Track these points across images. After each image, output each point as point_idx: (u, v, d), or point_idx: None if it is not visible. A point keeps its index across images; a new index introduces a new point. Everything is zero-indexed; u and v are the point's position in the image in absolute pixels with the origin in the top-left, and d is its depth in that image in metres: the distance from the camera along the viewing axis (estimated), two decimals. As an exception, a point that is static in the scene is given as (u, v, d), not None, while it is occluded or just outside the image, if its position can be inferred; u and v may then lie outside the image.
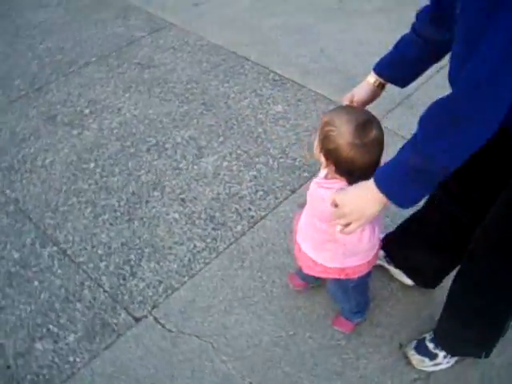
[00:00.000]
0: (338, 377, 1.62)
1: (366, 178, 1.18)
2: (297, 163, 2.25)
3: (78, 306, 1.78)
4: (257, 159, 2.26)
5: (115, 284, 1.84)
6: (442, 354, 1.63)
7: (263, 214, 2.05)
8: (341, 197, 1.23)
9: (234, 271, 1.88)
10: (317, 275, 1.57)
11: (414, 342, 1.68)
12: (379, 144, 1.26)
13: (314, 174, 2.17)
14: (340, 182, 1.32)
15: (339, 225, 1.25)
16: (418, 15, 1.38)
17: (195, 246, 1.95)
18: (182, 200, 2.10)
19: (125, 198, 2.11)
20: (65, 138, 2.35)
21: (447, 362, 1.64)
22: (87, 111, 2.46)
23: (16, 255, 1.93)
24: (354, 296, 1.65)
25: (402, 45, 1.44)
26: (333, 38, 2.90)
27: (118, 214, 2.05)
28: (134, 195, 2.12)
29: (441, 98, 1.04)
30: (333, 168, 1.31)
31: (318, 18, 3.06)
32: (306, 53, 2.81)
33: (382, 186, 1.13)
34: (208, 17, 3.03)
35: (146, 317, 1.76)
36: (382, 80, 1.47)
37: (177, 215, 2.05)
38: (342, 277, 1.52)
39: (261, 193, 2.13)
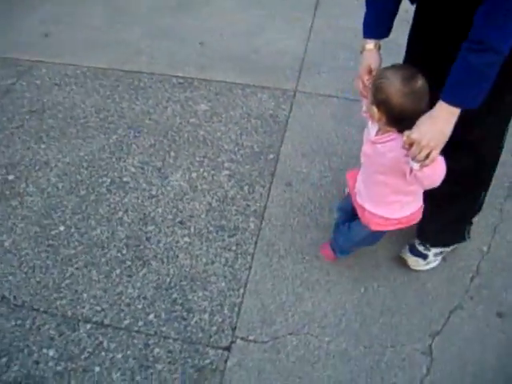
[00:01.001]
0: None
1: (413, 126, 1.32)
2: (256, 149, 2.27)
3: (159, 368, 1.62)
4: (219, 159, 2.23)
5: (180, 328, 1.71)
6: (431, 253, 1.86)
7: (263, 204, 2.06)
8: (415, 133, 1.33)
9: (277, 264, 1.88)
10: (377, 229, 1.67)
11: (407, 247, 1.89)
12: (426, 94, 1.37)
13: (278, 153, 2.24)
14: (392, 134, 1.44)
15: (418, 161, 1.34)
16: None
17: (226, 258, 1.89)
18: (181, 223, 2.00)
19: (122, 244, 1.92)
20: (8, 212, 2.01)
21: (435, 260, 1.87)
22: (11, 177, 2.13)
23: (51, 352, 1.65)
24: (362, 242, 1.78)
25: (371, 7, 1.54)
26: (203, 29, 2.92)
27: (129, 262, 1.87)
28: (130, 238, 1.94)
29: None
30: (384, 119, 1.42)
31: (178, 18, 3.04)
32: (188, 50, 2.79)
33: (456, 98, 1.28)
34: (68, 43, 2.79)
35: (233, 342, 1.68)
36: (378, 41, 1.57)
37: (187, 238, 1.95)
38: (398, 227, 1.65)
39: (246, 187, 2.13)
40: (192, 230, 1.97)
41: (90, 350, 1.65)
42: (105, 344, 1.66)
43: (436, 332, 1.70)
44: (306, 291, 1.80)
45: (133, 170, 2.17)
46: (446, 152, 1.38)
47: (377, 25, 1.57)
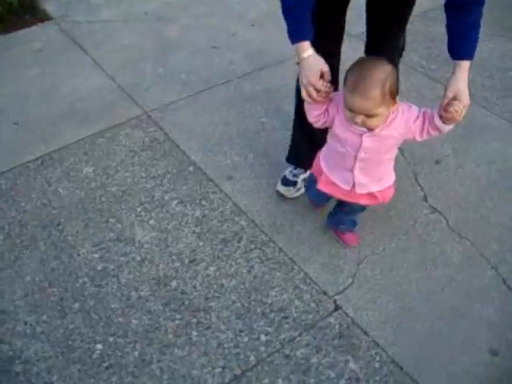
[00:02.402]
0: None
1: None
2: (173, 171, 2.28)
3: None
4: (157, 199, 2.18)
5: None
6: (299, 179, 2.16)
7: (246, 209, 2.13)
8: (466, 100, 1.56)
9: (315, 253, 1.97)
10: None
11: (279, 180, 2.16)
12: None
13: (194, 163, 2.31)
14: (392, 114, 1.57)
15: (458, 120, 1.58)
16: None
17: (271, 270, 1.94)
18: (190, 261, 1.95)
19: (160, 324, 1.80)
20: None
21: (303, 183, 2.16)
22: None
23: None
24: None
25: (299, 10, 1.56)
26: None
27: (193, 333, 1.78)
28: (153, 317, 1.82)
29: None
30: (392, 102, 1.53)
31: None
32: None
33: (473, 54, 1.57)
34: None
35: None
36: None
37: (215, 273, 1.92)
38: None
39: (204, 201, 2.16)
40: (209, 269, 1.95)
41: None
42: None
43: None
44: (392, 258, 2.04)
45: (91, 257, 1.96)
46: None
47: (308, 24, 1.58)
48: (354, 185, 1.75)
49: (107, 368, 1.65)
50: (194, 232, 2.05)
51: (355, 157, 1.67)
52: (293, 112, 2.09)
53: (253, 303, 1.82)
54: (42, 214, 2.11)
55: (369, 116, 1.51)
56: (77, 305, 1.82)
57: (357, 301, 1.82)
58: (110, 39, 3.11)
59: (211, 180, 2.25)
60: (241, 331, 1.75)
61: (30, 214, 2.11)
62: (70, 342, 1.71)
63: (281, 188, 2.16)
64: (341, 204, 1.92)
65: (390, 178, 1.80)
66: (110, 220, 2.09)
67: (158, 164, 2.32)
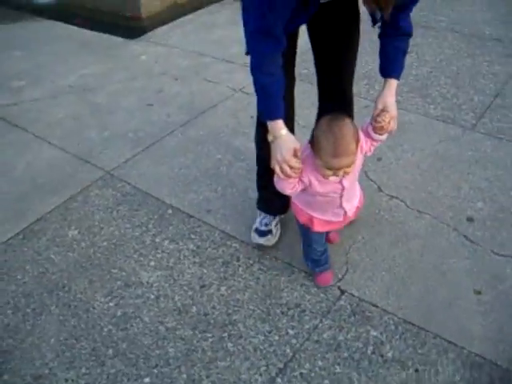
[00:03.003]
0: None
1: None
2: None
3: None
4: (157, 239, 2.32)
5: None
6: (272, 227, 2.24)
7: (233, 233, 2.34)
8: (394, 111, 1.81)
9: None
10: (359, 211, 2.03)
11: (254, 233, 2.23)
12: None
13: (186, 207, 2.49)
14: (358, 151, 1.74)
15: (390, 131, 1.82)
16: (270, 65, 1.67)
17: (275, 276, 2.17)
18: (201, 287, 2.11)
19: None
20: None
21: (277, 227, 2.27)
22: None
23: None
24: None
25: (276, 74, 1.68)
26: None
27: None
28: (187, 342, 1.97)
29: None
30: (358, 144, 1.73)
31: None
32: None
33: (400, 73, 1.84)
34: None
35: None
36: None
37: (227, 291, 2.10)
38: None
39: (205, 232, 2.34)
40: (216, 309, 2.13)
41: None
42: None
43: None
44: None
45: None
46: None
47: (282, 101, 1.71)
48: (345, 213, 1.91)
49: (162, 395, 1.77)
50: (194, 262, 2.22)
51: (340, 196, 1.83)
52: (242, 146, 2.33)
53: (270, 307, 2.02)
54: (43, 281, 2.18)
55: (348, 166, 1.69)
56: (110, 351, 1.91)
57: (357, 282, 2.08)
58: (45, 115, 3.23)
59: (192, 216, 2.44)
60: (269, 332, 1.93)
61: (32, 284, 2.17)
62: (119, 384, 1.81)
63: (260, 240, 2.22)
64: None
65: (358, 186, 2.01)
66: (112, 271, 2.21)
67: (137, 214, 2.47)
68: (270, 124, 1.71)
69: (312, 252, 2.04)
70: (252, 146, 2.21)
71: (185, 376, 1.81)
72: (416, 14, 1.78)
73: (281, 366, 1.82)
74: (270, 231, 2.23)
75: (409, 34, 1.80)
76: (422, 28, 3.88)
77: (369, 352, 1.84)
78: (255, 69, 1.68)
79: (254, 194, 2.40)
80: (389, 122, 1.78)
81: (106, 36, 4.16)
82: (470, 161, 2.66)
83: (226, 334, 1.93)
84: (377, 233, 2.29)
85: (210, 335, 1.93)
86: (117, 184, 2.65)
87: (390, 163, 2.66)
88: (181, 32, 4.23)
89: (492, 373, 1.75)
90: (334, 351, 1.85)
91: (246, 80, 3.36)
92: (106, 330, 1.98)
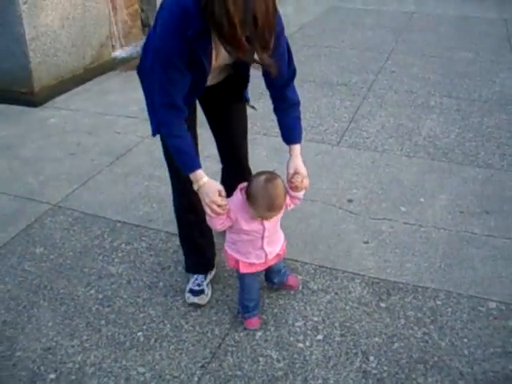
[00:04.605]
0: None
1: None
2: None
3: None
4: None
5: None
6: (204, 286, 2.43)
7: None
8: (304, 171, 2.11)
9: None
10: (280, 258, 2.32)
11: (188, 294, 2.42)
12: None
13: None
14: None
15: (304, 188, 2.14)
16: (177, 130, 1.99)
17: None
18: (152, 286, 2.66)
19: None
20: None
21: (208, 287, 2.47)
22: None
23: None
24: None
25: (184, 136, 2.00)
26: None
27: None
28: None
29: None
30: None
31: None
32: None
33: (301, 138, 2.17)
34: None
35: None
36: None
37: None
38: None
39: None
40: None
41: None
42: None
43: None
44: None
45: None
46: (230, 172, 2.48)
47: (196, 155, 2.05)
48: (266, 256, 2.18)
49: None
50: (151, 255, 2.76)
51: (262, 237, 2.10)
52: (163, 175, 2.78)
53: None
54: (25, 286, 2.56)
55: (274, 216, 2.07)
56: (103, 321, 2.37)
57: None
58: (-24, 171, 3.58)
59: (138, 225, 2.99)
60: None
61: (16, 290, 2.54)
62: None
63: (194, 299, 2.40)
64: (269, 270, 2.35)
65: (282, 235, 2.29)
66: (84, 270, 2.67)
67: (92, 229, 2.96)
68: (192, 175, 2.00)
69: (244, 298, 2.30)
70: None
71: (169, 325, 2.34)
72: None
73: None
74: (202, 290, 2.42)
75: (298, 103, 2.15)
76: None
77: (301, 288, 2.52)
78: (166, 135, 2.05)
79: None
80: (301, 181, 2.09)
81: (9, 106, 4.58)
82: (340, 165, 3.55)
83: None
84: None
85: (178, 298, 2.48)
86: (66, 212, 3.12)
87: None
88: (79, 99, 4.79)
89: (381, 285, 2.53)
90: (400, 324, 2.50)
91: (148, 130, 4.00)
92: (93, 308, 2.44)
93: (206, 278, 2.49)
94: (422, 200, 3.19)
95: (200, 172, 2.01)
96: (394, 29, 6.82)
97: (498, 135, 4.02)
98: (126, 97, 4.71)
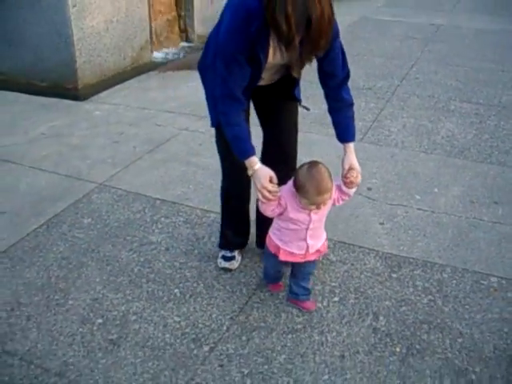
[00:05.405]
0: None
1: None
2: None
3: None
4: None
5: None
6: (235, 252, 2.72)
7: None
8: (358, 167, 2.24)
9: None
10: (320, 255, 2.45)
11: (220, 260, 2.72)
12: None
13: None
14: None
15: (357, 185, 2.26)
16: (235, 119, 2.13)
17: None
18: (188, 253, 2.96)
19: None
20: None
21: (239, 254, 2.75)
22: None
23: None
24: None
25: (241, 125, 2.14)
26: None
27: None
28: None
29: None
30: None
31: None
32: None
33: (355, 136, 2.30)
34: None
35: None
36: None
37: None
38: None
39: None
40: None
41: None
42: None
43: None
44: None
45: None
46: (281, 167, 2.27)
47: (251, 143, 2.15)
48: (307, 248, 2.26)
49: None
50: (187, 227, 3.08)
51: (306, 229, 2.19)
52: (199, 161, 3.19)
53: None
54: (75, 249, 2.90)
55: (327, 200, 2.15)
56: (144, 279, 2.68)
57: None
58: (30, 153, 3.94)
59: (176, 203, 3.31)
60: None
61: (67, 252, 2.88)
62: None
63: (226, 264, 2.69)
64: (295, 275, 2.42)
65: (325, 233, 2.37)
66: (127, 238, 2.99)
67: (134, 205, 3.29)
68: (247, 162, 2.13)
69: (270, 273, 2.53)
70: (205, 160, 3.17)
71: (202, 285, 2.64)
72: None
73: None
74: (233, 257, 2.71)
75: (352, 104, 2.26)
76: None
77: (321, 259, 2.78)
78: (225, 124, 2.16)
79: (217, 188, 3.30)
80: (356, 176, 2.21)
81: (59, 99, 4.98)
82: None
83: (223, 261, 2.80)
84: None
85: (211, 263, 2.78)
86: (111, 190, 3.46)
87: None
88: (121, 95, 5.17)
89: (393, 259, 2.79)
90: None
91: (186, 123, 4.39)
92: (135, 269, 2.76)
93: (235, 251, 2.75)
94: (436, 190, 3.45)
95: (254, 158, 2.14)
96: (420, 39, 7.10)
97: (513, 138, 4.25)
98: (165, 94, 5.08)
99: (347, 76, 2.23)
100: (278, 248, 2.28)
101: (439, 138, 4.20)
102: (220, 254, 2.76)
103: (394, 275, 2.69)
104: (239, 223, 2.74)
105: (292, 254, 2.27)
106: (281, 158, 2.48)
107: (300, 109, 2.54)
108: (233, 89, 2.08)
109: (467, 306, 2.50)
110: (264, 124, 2.54)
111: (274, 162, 2.26)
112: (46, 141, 4.16)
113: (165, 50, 6.61)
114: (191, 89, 5.24)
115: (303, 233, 2.21)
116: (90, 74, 5.42)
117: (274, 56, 2.10)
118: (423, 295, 2.56)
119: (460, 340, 2.32)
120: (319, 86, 2.32)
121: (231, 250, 2.73)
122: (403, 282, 2.64)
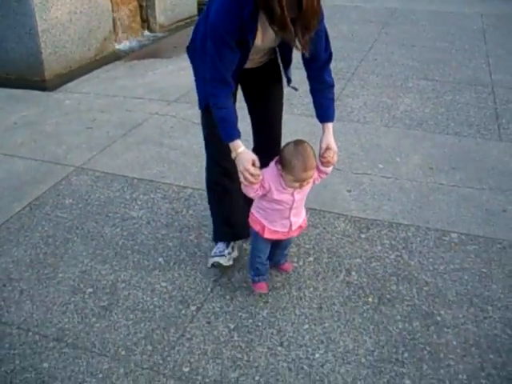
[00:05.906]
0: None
1: None
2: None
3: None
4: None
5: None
6: (226, 252, 2.62)
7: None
8: (335, 147, 2.30)
9: None
10: (301, 231, 2.48)
11: (212, 258, 2.59)
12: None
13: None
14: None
15: (333, 164, 2.32)
16: (223, 102, 2.16)
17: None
18: (169, 225, 3.12)
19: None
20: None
21: (229, 253, 2.63)
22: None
23: None
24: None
25: (229, 108, 2.18)
26: None
27: None
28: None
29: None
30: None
31: None
32: None
33: (333, 119, 2.32)
34: None
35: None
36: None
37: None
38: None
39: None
40: (185, 212, 3.15)
41: None
42: None
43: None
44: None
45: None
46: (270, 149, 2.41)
47: (236, 126, 2.18)
48: (290, 226, 2.33)
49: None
50: (165, 202, 3.22)
51: (290, 208, 2.26)
52: (172, 143, 3.32)
53: (226, 216, 3.08)
54: (59, 227, 3.02)
55: (311, 178, 2.21)
56: (129, 251, 2.83)
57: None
58: (5, 143, 4.01)
59: (153, 181, 3.44)
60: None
61: (52, 230, 3.00)
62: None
63: (220, 260, 2.57)
64: (278, 245, 2.50)
65: (304, 210, 2.43)
66: (109, 214, 3.12)
67: (112, 185, 3.42)
68: (231, 144, 2.17)
69: (256, 261, 2.43)
70: (177, 141, 3.28)
71: (184, 253, 2.80)
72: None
73: (243, 239, 2.89)
74: (226, 253, 2.62)
75: (332, 85, 2.32)
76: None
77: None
78: (213, 106, 2.18)
79: (190, 166, 3.48)
80: (333, 156, 2.28)
81: (26, 91, 5.03)
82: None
83: (202, 231, 2.96)
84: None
85: (192, 233, 2.95)
86: (89, 172, 3.58)
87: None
88: (89, 84, 5.24)
89: (362, 222, 3.01)
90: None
91: (156, 108, 4.51)
92: (120, 242, 2.90)
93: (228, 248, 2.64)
94: (397, 159, 3.69)
95: (238, 142, 2.17)
96: (377, 23, 7.35)
97: (467, 110, 4.52)
98: (133, 82, 5.18)
99: (330, 58, 2.27)
100: (264, 227, 2.33)
101: (399, 113, 4.44)
102: (212, 252, 2.66)
103: (363, 235, 2.91)
104: (231, 208, 2.61)
105: (276, 232, 2.34)
106: (273, 142, 2.60)
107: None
108: (224, 73, 2.13)
109: (431, 259, 2.73)
110: (251, 104, 2.58)
111: (260, 143, 2.51)
112: (19, 130, 4.23)
113: (128, 40, 6.68)
114: (158, 76, 5.36)
115: (287, 212, 2.28)
116: (57, 65, 5.46)
117: (264, 40, 2.17)
118: (391, 252, 2.78)
119: (426, 288, 2.54)
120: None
121: (226, 245, 2.66)
122: (372, 241, 2.86)
